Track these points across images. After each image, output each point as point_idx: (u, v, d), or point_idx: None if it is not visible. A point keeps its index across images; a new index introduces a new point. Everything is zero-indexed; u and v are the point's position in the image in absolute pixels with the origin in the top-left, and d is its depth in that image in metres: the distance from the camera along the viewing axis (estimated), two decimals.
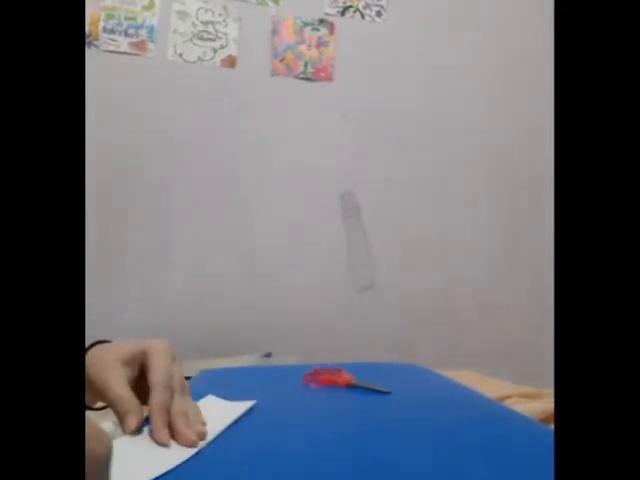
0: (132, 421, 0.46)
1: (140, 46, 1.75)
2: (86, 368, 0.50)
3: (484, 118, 2.02)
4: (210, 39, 1.80)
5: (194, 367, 0.84)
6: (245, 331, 1.75)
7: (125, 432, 0.46)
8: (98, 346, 0.55)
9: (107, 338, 0.57)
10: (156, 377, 0.49)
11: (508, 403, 0.99)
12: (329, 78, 1.89)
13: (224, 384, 0.50)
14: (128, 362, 0.51)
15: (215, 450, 0.45)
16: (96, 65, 1.67)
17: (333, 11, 1.90)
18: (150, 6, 1.76)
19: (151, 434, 0.46)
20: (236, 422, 0.51)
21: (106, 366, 0.50)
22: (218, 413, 0.51)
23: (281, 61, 1.86)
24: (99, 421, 0.36)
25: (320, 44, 1.88)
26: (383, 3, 1.94)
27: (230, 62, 1.82)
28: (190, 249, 1.76)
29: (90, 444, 0.29)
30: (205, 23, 1.80)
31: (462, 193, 1.99)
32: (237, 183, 1.81)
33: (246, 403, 0.55)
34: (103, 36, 1.72)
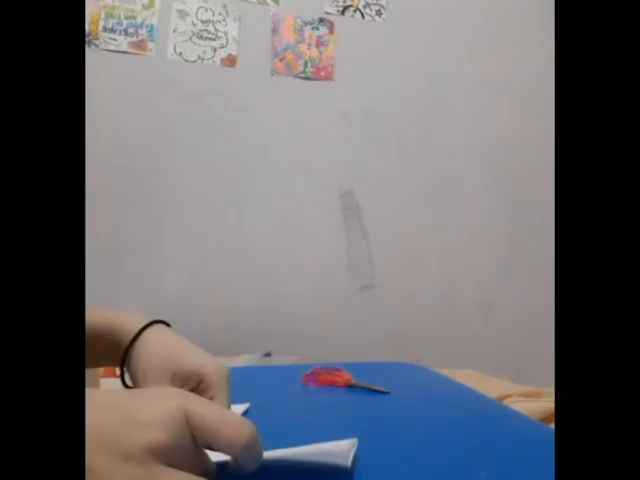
0: None
1: (140, 45, 1.74)
2: (137, 358, 0.46)
3: (484, 118, 2.02)
4: (210, 38, 1.80)
5: None
6: (245, 331, 1.75)
7: None
8: (157, 328, 0.48)
9: None
10: None
11: (508, 402, 0.99)
12: (329, 77, 1.89)
13: None
14: (184, 380, 0.45)
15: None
16: (96, 64, 1.67)
17: (333, 10, 1.90)
18: (150, 5, 1.76)
19: None
20: None
21: (156, 380, 0.44)
22: None
23: (281, 60, 1.85)
24: None
25: (320, 43, 1.88)
26: (383, 2, 1.94)
27: (230, 61, 1.82)
28: (190, 249, 1.76)
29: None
30: (205, 22, 1.80)
31: (462, 193, 1.99)
32: (237, 183, 1.81)
33: (240, 407, 0.55)
34: (103, 35, 1.71)
